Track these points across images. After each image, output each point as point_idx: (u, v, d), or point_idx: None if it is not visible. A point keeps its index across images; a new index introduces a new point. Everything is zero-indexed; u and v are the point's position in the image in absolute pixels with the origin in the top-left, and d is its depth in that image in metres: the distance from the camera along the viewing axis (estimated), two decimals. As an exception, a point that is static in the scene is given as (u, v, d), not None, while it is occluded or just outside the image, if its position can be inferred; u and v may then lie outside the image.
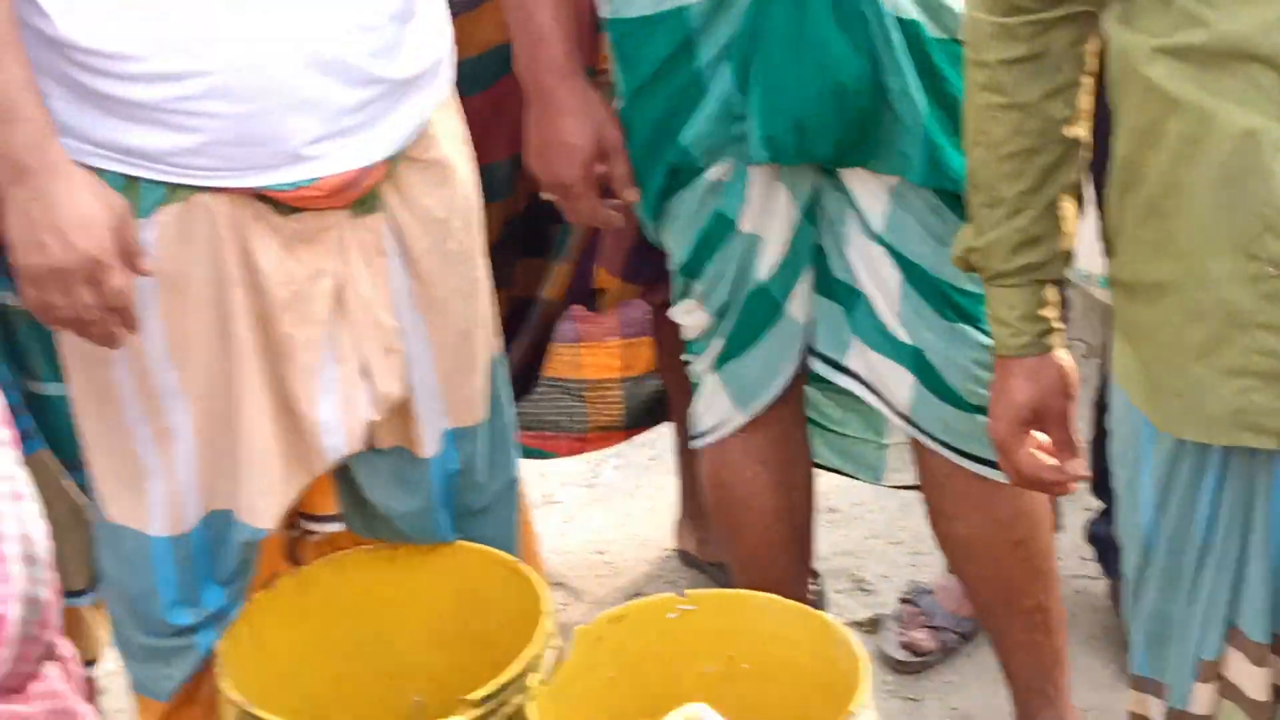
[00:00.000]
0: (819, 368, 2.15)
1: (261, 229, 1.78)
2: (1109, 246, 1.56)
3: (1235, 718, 1.58)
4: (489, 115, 2.22)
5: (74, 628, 2.02)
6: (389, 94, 1.79)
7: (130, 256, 1.72)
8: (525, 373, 2.56)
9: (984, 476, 2.07)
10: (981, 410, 1.95)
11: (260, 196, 1.76)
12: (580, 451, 2.81)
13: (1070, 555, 2.67)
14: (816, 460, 2.35)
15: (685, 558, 2.88)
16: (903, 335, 2.05)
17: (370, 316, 1.85)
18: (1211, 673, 1.57)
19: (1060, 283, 1.64)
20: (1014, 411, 1.64)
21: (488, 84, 2.24)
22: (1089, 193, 1.68)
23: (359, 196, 1.81)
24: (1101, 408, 2.39)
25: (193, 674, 1.94)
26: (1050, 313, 1.62)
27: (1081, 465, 1.68)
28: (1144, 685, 1.64)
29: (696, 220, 2.06)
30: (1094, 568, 2.65)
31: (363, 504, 2.00)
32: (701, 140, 1.99)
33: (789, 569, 2.30)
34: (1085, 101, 1.57)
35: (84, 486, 1.95)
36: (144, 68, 1.69)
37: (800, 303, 2.10)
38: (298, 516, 2.18)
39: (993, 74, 1.55)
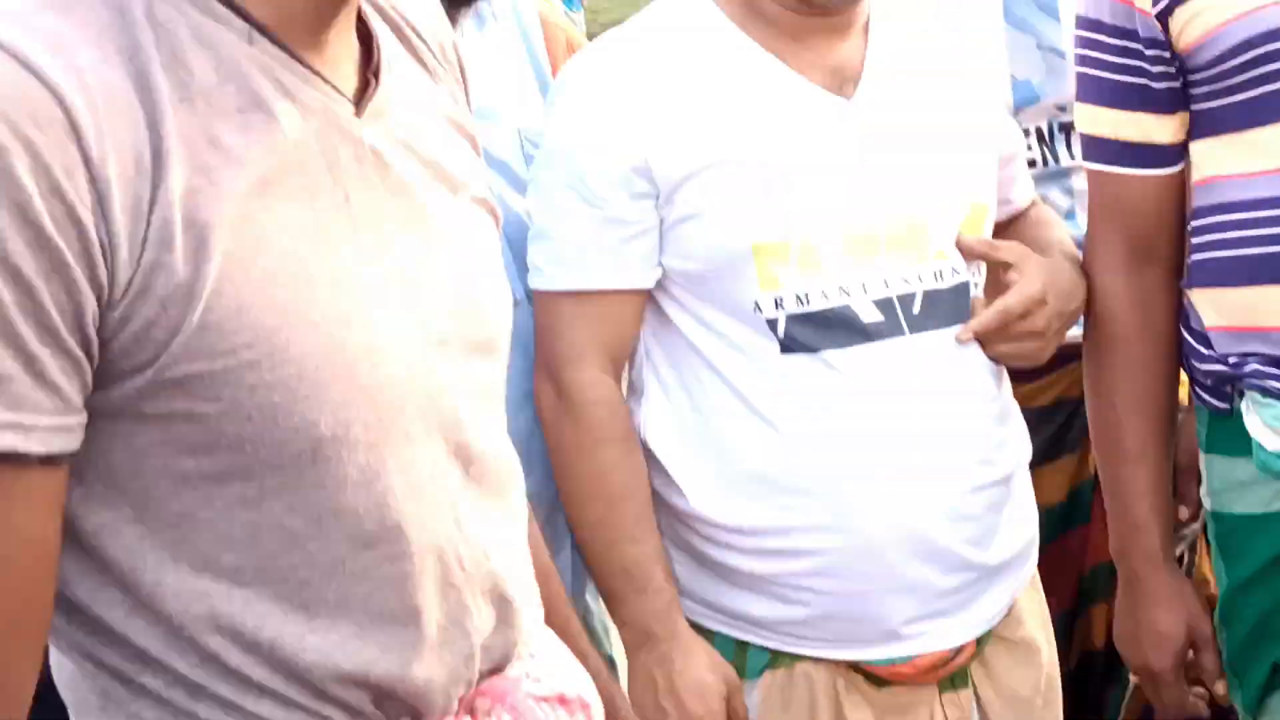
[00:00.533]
0: None
1: (855, 700, 1.83)
2: None
3: None
4: (1049, 568, 2.23)
5: None
6: (983, 578, 1.84)
7: None
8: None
9: None
10: None
11: (855, 668, 1.82)
12: None
13: None
14: None
15: None
16: None
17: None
18: None
19: None
20: None
21: (1050, 538, 2.26)
22: None
23: (949, 674, 1.84)
24: None
25: None
26: None
27: None
28: None
29: (1300, 720, 1.99)
30: None
31: None
32: (1310, 643, 1.94)
33: None
34: None
35: None
36: (763, 544, 1.80)
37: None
38: None
39: None
